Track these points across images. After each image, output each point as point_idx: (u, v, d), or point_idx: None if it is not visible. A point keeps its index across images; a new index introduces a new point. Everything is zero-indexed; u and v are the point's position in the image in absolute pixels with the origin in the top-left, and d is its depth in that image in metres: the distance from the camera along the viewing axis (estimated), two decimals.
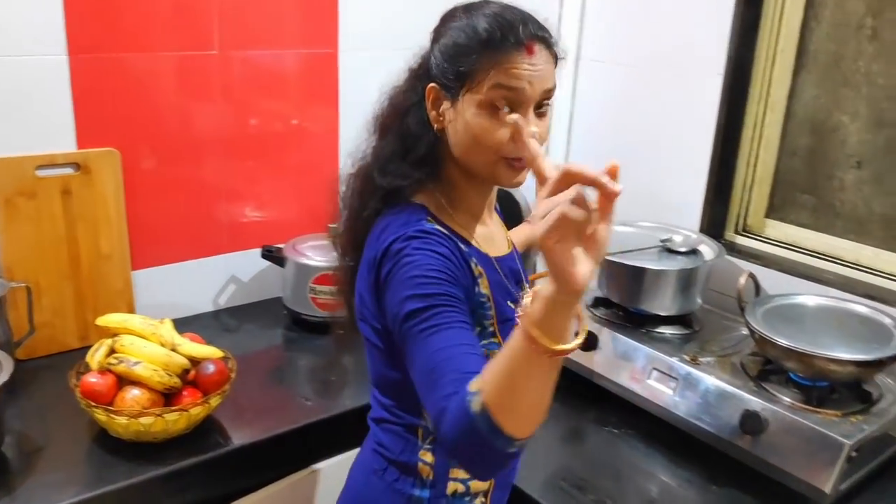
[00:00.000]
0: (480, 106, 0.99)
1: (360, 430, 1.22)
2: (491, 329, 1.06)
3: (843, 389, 1.41)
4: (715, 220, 1.84)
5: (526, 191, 1.27)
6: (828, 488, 1.26)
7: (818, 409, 1.35)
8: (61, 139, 1.59)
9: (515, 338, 0.77)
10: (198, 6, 1.69)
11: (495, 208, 1.21)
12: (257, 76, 1.83)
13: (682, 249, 1.64)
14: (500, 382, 0.78)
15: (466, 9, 1.03)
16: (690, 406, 1.44)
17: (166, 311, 1.61)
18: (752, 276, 1.55)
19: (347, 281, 1.17)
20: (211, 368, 1.41)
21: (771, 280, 1.68)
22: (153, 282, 1.76)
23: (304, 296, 1.78)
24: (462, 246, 1.04)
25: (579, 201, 0.69)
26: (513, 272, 1.15)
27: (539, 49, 0.99)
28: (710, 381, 1.43)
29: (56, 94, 1.56)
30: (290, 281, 1.81)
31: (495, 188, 1.14)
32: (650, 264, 1.61)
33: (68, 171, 1.60)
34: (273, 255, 1.85)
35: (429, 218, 1.04)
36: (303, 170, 1.97)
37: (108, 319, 1.43)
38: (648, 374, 1.51)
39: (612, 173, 0.70)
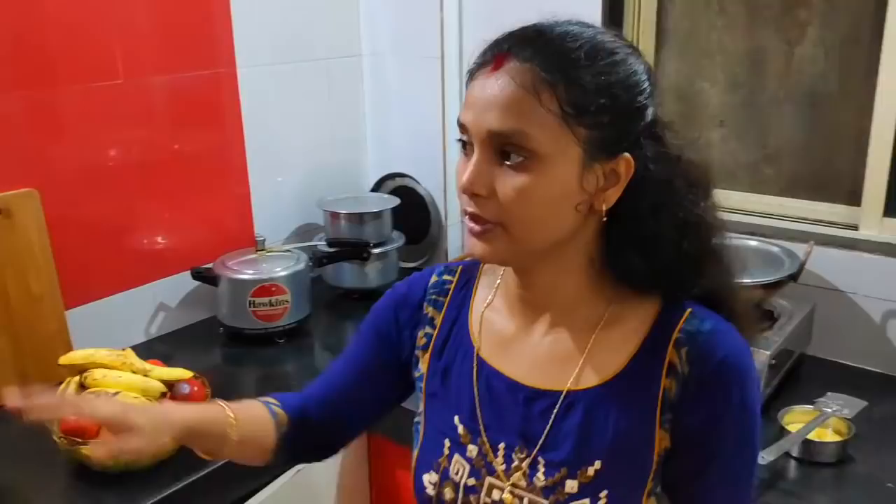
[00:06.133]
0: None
1: None
2: (419, 418, 0.98)
3: None
4: None
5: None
6: None
7: None
8: None
9: None
10: (99, 34, 1.68)
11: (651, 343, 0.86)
12: (161, 101, 1.84)
13: None
14: None
15: None
16: None
17: (101, 346, 1.57)
18: None
19: None
20: (186, 389, 1.43)
21: None
22: (86, 319, 1.72)
23: (243, 310, 1.81)
24: (431, 308, 0.97)
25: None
26: (510, 408, 0.89)
27: (514, 67, 0.78)
28: None
29: None
30: (226, 298, 1.83)
31: (555, 273, 0.87)
32: None
33: None
34: (204, 276, 1.86)
35: (456, 268, 1.00)
36: (214, 191, 1.99)
37: (73, 356, 1.42)
38: None
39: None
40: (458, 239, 2.27)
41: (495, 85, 0.78)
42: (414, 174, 2.28)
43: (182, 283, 1.91)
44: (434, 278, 0.99)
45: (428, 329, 0.97)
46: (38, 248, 1.61)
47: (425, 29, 2.16)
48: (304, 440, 1.03)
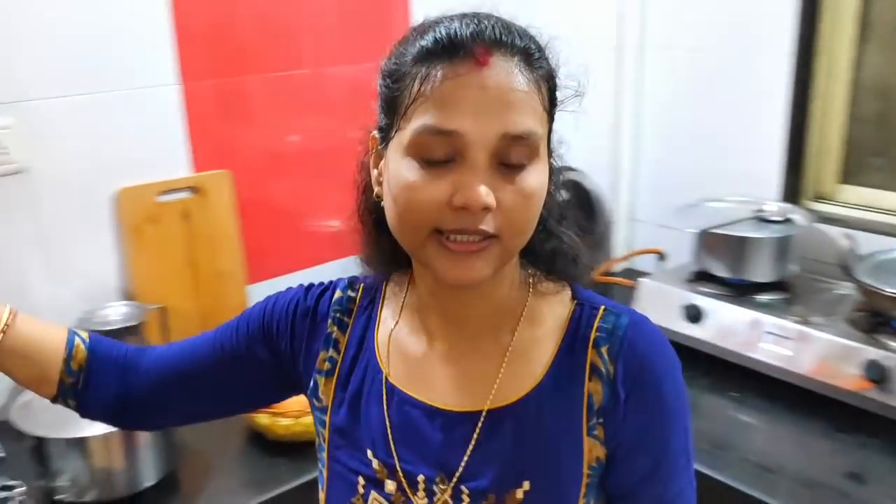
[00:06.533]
0: (407, 151, 0.71)
1: None
2: (322, 455, 0.87)
3: None
4: (792, 190, 1.92)
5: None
6: None
7: None
8: (178, 165, 1.66)
9: None
10: (289, 26, 1.77)
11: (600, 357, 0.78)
12: (340, 91, 1.90)
13: (777, 218, 1.72)
14: None
15: (428, 19, 0.77)
16: (809, 363, 1.51)
17: None
18: (849, 236, 1.63)
19: None
20: None
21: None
22: (264, 295, 1.81)
23: None
24: (336, 328, 0.87)
25: None
26: (428, 436, 0.79)
27: (501, 62, 0.69)
28: (826, 337, 1.51)
29: (171, 122, 1.64)
30: None
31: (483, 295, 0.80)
32: (751, 233, 1.69)
33: (186, 195, 1.67)
34: None
35: (359, 285, 0.91)
36: None
37: None
38: (760, 337, 1.59)
39: None
40: (626, 236, 2.23)
41: (497, 82, 0.68)
42: (583, 168, 2.24)
43: (351, 267, 1.97)
44: (338, 293, 0.91)
45: (332, 353, 0.86)
46: (228, 226, 1.73)
47: (601, 19, 2.11)
48: (115, 394, 0.91)
